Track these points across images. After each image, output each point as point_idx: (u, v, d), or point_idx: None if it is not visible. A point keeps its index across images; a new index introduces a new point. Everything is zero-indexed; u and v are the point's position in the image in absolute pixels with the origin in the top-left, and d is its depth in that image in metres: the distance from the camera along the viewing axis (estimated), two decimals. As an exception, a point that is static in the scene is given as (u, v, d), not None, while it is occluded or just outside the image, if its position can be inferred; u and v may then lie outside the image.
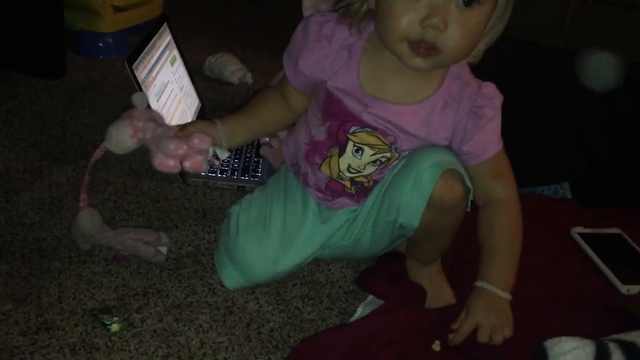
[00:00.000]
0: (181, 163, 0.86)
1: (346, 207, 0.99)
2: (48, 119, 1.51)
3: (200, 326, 0.94)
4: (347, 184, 0.96)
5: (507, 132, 1.29)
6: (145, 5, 1.99)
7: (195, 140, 0.87)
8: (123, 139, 0.89)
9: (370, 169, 0.93)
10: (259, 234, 0.94)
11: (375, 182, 0.96)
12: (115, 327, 0.90)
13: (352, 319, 0.96)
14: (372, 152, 0.91)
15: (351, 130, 0.90)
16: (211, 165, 0.90)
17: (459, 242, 1.11)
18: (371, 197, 0.97)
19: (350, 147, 0.91)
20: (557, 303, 0.99)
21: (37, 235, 1.09)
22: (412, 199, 0.86)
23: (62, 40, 1.76)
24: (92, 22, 1.88)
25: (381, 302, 0.97)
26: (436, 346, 0.84)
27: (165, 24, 1.47)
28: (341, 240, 1.01)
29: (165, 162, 0.86)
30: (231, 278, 0.96)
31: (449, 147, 0.91)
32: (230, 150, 0.92)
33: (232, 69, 1.88)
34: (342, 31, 0.88)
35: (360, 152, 0.91)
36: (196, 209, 1.24)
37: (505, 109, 1.28)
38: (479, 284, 0.89)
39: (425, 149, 0.90)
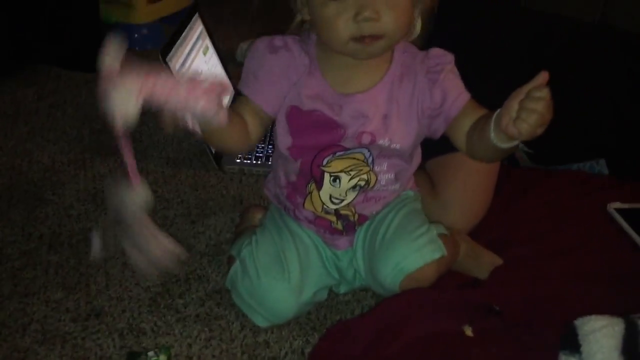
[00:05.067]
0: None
1: (340, 249, 0.98)
2: (89, 112, 1.56)
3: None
4: (333, 218, 0.95)
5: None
6: (178, -5, 2.02)
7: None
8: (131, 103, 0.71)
9: (351, 195, 0.93)
10: (281, 271, 0.91)
11: (360, 217, 0.95)
12: (162, 358, 0.87)
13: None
14: (348, 177, 0.91)
15: (324, 163, 0.90)
16: None
17: (497, 215, 1.13)
18: (359, 247, 0.97)
19: (327, 178, 0.91)
20: (592, 279, 0.99)
21: (83, 226, 1.14)
22: (390, 281, 0.91)
23: (99, 34, 1.81)
24: (127, 14, 1.92)
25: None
26: (468, 331, 0.85)
27: (197, 14, 1.50)
28: (354, 278, 1.01)
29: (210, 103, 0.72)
30: (263, 319, 0.93)
31: (424, 123, 0.90)
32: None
33: (264, 54, 1.89)
34: (294, 39, 0.89)
35: (337, 180, 0.91)
36: (233, 195, 1.27)
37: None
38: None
39: (405, 228, 0.92)
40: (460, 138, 0.89)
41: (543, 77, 0.75)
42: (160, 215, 1.19)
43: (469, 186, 1.11)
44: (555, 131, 1.29)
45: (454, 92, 0.88)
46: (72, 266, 1.04)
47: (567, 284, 0.95)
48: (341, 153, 0.89)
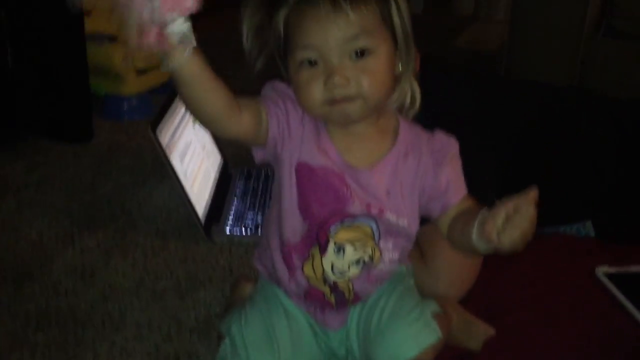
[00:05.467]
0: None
1: (332, 329, 0.96)
2: (77, 184, 1.56)
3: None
4: (327, 290, 0.92)
5: (526, 172, 1.30)
6: (166, 66, 2.05)
7: None
8: None
9: (354, 271, 0.91)
10: (271, 350, 0.89)
11: (356, 297, 0.93)
12: None
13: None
14: (353, 249, 0.89)
15: (332, 231, 0.88)
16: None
17: (486, 282, 1.13)
18: (353, 330, 0.95)
19: (331, 246, 0.89)
20: (583, 347, 0.98)
21: (71, 303, 1.13)
22: None
23: (88, 106, 1.84)
24: (116, 86, 1.96)
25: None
26: None
27: (185, 87, 1.53)
28: (347, 356, 0.98)
29: None
30: None
31: (423, 202, 0.90)
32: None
33: (252, 122, 1.92)
34: None
35: (341, 251, 0.89)
36: (223, 266, 1.26)
37: (522, 151, 1.31)
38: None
39: (399, 312, 0.90)
40: (444, 225, 0.91)
41: (533, 194, 0.76)
42: (148, 288, 1.18)
43: (457, 255, 1.11)
44: (541, 194, 1.32)
45: (456, 182, 0.90)
46: (60, 345, 1.02)
47: (560, 353, 0.95)
48: (350, 221, 0.88)
